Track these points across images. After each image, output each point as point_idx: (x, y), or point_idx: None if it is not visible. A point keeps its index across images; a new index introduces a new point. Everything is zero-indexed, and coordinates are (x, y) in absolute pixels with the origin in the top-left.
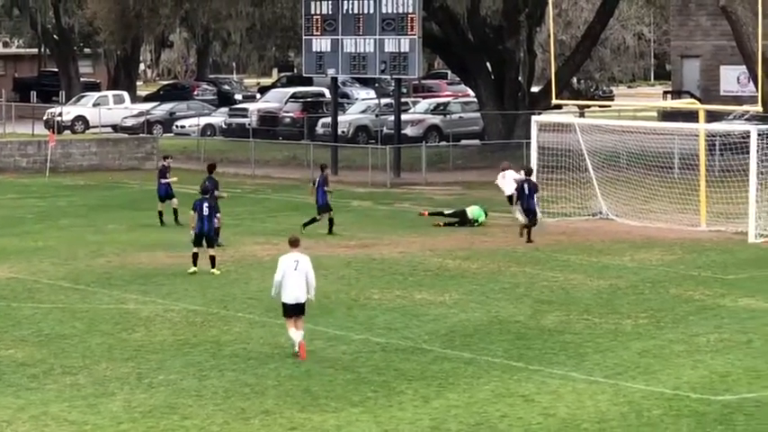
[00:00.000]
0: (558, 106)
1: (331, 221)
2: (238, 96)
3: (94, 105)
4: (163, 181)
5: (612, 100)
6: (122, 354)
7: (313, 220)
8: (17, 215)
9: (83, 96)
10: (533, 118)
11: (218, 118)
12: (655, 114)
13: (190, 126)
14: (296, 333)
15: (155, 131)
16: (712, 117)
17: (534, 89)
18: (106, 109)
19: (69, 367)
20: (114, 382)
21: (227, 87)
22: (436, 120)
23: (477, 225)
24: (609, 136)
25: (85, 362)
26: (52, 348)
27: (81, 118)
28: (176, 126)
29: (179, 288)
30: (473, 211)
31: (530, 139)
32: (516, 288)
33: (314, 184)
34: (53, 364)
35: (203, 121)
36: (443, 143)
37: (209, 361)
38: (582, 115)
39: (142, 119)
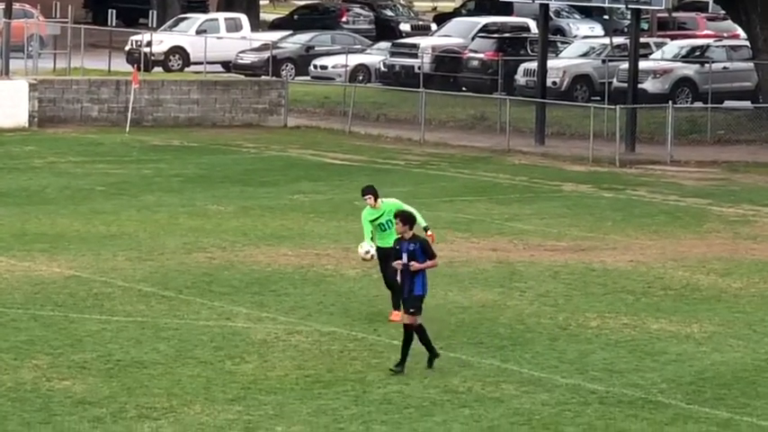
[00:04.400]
0: None
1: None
2: (405, 27)
3: (198, 33)
4: None
5: None
6: (225, 392)
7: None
8: (82, 186)
9: (182, 19)
10: None
11: (375, 57)
12: None
13: (334, 67)
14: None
15: (284, 73)
16: None
17: None
18: (215, 38)
19: (148, 409)
20: None
21: (389, 13)
22: (689, 70)
23: None
24: None
25: (172, 402)
26: (124, 380)
27: (179, 50)
28: (315, 66)
29: (309, 301)
30: None
31: None
32: None
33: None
34: (125, 403)
35: (353, 60)
36: (698, 104)
37: (350, 408)
38: None
39: (266, 54)
